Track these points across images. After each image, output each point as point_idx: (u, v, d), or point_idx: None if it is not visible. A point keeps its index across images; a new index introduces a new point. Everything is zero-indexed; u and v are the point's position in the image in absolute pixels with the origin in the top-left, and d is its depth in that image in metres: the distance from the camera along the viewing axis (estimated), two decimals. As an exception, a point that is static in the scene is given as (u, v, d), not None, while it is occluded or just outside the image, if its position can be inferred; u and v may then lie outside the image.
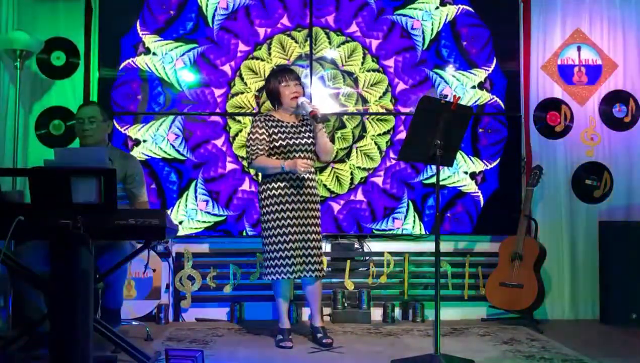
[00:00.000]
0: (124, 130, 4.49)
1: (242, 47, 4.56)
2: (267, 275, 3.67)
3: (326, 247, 4.53)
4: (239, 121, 4.54)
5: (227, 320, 4.47)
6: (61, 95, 4.56)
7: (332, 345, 3.61)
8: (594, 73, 4.75)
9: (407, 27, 4.64)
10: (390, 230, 4.58)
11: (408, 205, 4.57)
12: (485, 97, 4.64)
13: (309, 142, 3.70)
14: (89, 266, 2.43)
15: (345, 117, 4.60)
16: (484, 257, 4.62)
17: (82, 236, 2.45)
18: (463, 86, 4.63)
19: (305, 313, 4.30)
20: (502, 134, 4.64)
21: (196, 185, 4.50)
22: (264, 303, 4.47)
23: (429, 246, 4.48)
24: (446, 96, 4.57)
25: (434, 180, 4.21)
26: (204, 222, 4.50)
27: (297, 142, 3.67)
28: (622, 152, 4.72)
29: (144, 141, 4.51)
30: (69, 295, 2.38)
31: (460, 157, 4.56)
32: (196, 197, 4.50)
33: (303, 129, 3.73)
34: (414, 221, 4.57)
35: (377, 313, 4.46)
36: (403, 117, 4.59)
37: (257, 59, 4.58)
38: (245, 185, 4.52)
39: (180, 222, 4.45)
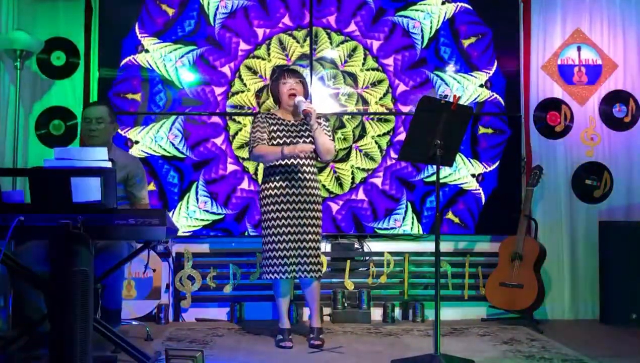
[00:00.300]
0: (124, 132, 4.47)
1: (243, 45, 4.56)
2: (265, 274, 3.69)
3: (326, 247, 4.53)
4: (239, 122, 4.53)
5: (227, 320, 4.47)
6: (61, 95, 4.55)
7: (321, 347, 3.58)
8: (594, 73, 4.75)
9: (408, 28, 4.64)
10: (392, 228, 4.57)
11: (407, 206, 4.57)
12: (485, 94, 4.64)
13: (309, 141, 3.70)
14: (88, 266, 2.43)
15: (346, 117, 4.60)
16: (484, 257, 4.62)
17: (82, 236, 2.45)
18: (463, 88, 4.63)
19: (306, 313, 4.29)
20: (503, 136, 4.62)
21: (197, 187, 4.49)
22: (264, 303, 4.48)
23: (429, 246, 4.48)
24: (446, 96, 4.57)
25: (434, 178, 4.22)
26: (202, 220, 4.49)
27: (297, 141, 3.67)
28: (622, 152, 4.72)
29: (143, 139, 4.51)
30: (69, 295, 2.38)
31: (459, 159, 4.56)
32: (197, 199, 4.50)
33: (304, 128, 3.73)
34: (412, 223, 4.57)
35: (377, 313, 4.46)
36: (403, 117, 4.59)
37: (258, 58, 4.58)
38: (244, 184, 4.52)
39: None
